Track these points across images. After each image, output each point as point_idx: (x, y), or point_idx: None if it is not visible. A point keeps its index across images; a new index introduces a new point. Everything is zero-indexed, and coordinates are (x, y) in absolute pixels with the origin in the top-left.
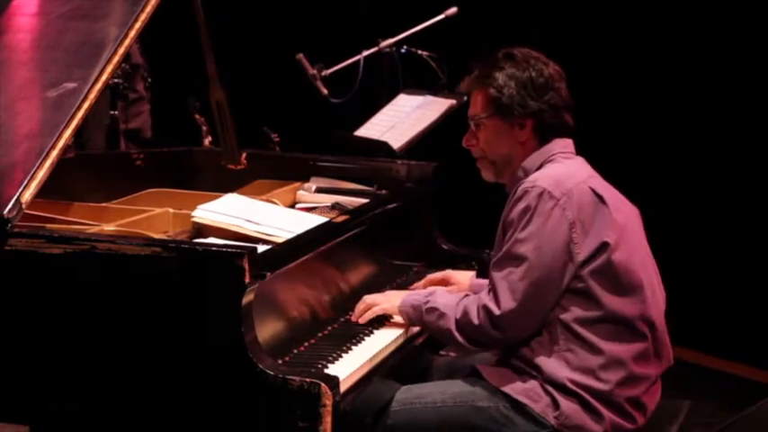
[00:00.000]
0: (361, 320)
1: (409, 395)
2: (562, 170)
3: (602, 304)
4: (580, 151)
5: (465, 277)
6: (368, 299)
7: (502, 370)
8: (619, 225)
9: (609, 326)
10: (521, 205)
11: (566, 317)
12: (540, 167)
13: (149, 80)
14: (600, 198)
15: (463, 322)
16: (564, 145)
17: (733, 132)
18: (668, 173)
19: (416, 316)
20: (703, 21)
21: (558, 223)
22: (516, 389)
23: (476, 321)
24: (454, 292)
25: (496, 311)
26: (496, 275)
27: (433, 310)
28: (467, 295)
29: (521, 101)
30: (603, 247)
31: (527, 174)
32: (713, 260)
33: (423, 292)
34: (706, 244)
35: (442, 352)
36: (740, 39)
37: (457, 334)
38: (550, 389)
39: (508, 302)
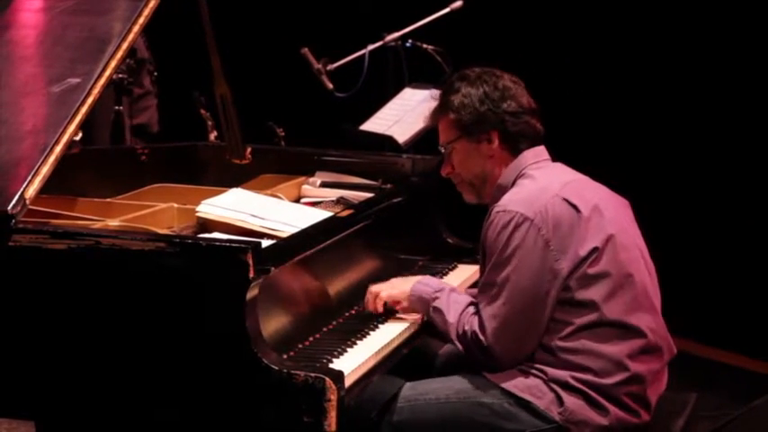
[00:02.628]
0: (374, 312)
1: (413, 392)
2: (533, 187)
3: (595, 310)
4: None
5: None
6: (373, 288)
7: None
8: (603, 228)
9: (605, 329)
10: (495, 229)
11: (560, 328)
12: (513, 183)
13: (155, 74)
14: (576, 208)
15: (464, 343)
16: (535, 154)
17: (733, 125)
18: (673, 164)
19: (423, 309)
20: (699, 18)
21: (534, 244)
22: (519, 386)
23: (472, 350)
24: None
25: (484, 342)
26: (480, 304)
27: (439, 311)
28: (471, 304)
29: (481, 117)
30: (589, 255)
31: (503, 192)
32: (719, 252)
33: (433, 285)
34: (712, 236)
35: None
36: (734, 34)
37: (459, 345)
38: (554, 385)
39: (492, 331)
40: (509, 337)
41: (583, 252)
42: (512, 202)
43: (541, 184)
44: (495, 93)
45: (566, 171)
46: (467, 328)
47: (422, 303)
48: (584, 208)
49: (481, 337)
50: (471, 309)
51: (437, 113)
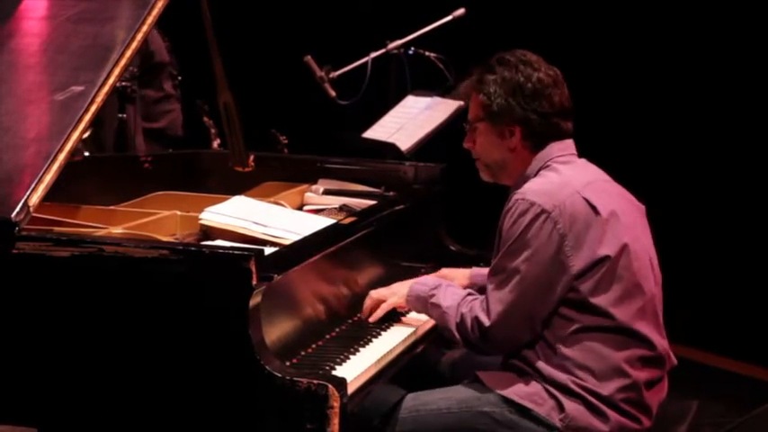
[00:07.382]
0: (372, 319)
1: (416, 402)
2: (556, 180)
3: (601, 314)
4: (586, 150)
5: (460, 273)
6: (374, 294)
7: (504, 375)
8: (619, 235)
9: (609, 335)
10: (512, 216)
11: (565, 326)
12: (537, 173)
13: (179, 78)
14: (594, 209)
15: (462, 328)
16: (561, 148)
17: (739, 130)
18: (678, 171)
19: (422, 307)
20: (709, 19)
21: (548, 236)
22: (520, 393)
23: (470, 332)
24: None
25: (486, 323)
26: (489, 287)
27: (436, 306)
28: (469, 293)
29: (508, 108)
30: (602, 260)
31: (526, 181)
32: (722, 259)
33: (429, 283)
34: (714, 243)
35: (447, 354)
36: (744, 37)
37: (458, 336)
38: (554, 391)
39: (496, 315)
40: (510, 322)
41: (596, 255)
42: (532, 191)
43: (564, 179)
44: (528, 88)
45: (589, 169)
46: (465, 311)
47: (420, 302)
48: (603, 211)
49: (483, 318)
50: (470, 297)
51: (471, 87)
